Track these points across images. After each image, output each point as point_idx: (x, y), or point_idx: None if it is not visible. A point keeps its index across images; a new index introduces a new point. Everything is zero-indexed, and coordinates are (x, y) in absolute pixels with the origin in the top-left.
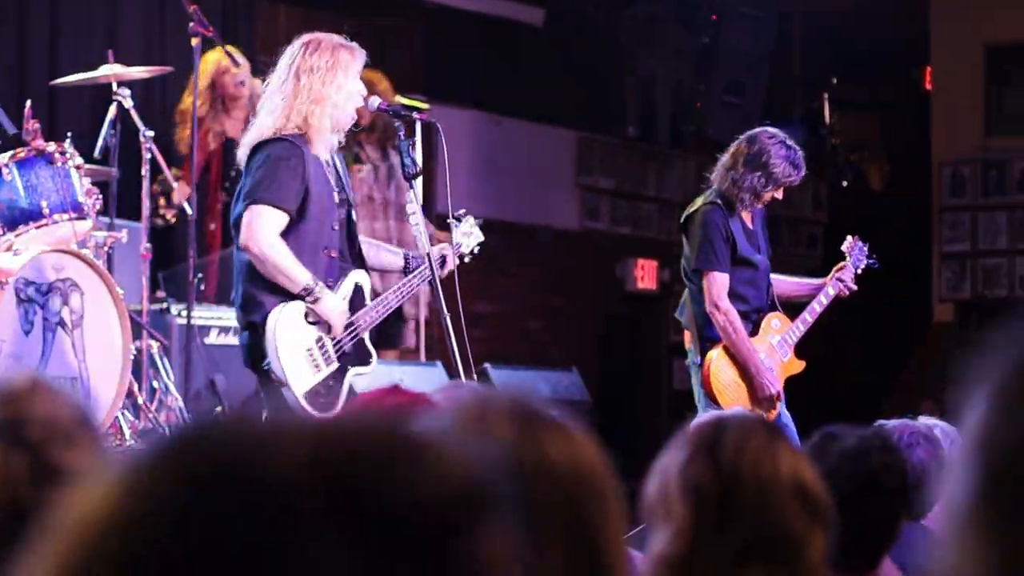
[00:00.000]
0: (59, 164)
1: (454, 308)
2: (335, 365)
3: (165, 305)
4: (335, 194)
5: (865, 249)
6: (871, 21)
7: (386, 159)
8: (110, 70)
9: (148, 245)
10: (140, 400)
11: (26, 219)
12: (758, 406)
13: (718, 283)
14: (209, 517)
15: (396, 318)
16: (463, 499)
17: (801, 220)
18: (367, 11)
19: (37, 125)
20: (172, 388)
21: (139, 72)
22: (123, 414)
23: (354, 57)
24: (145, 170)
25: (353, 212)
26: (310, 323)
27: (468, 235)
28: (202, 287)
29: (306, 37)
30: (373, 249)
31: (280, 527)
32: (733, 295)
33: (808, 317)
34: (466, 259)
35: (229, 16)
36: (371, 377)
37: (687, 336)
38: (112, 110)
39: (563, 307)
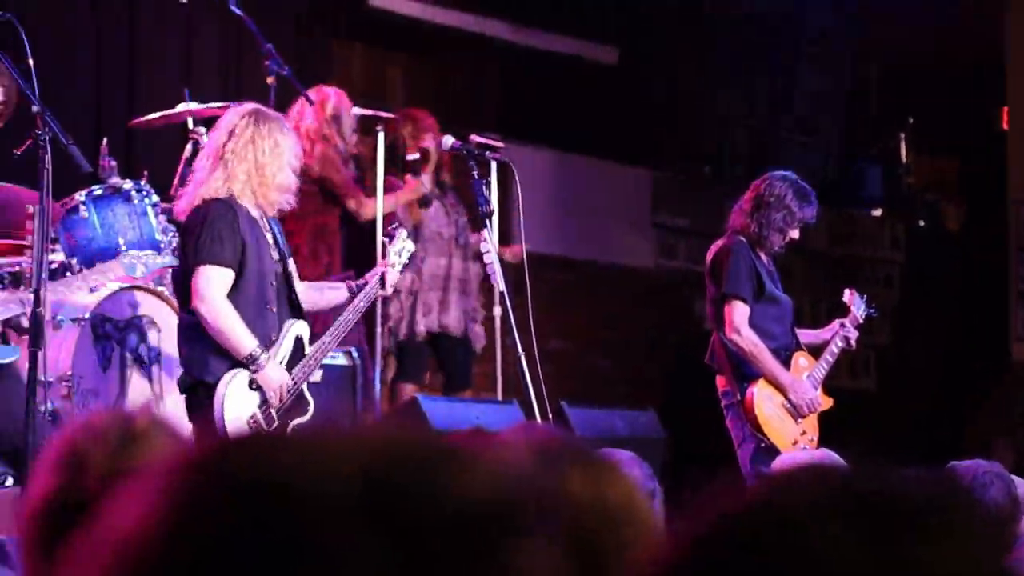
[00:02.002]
0: (136, 201)
1: (528, 346)
2: (276, 424)
3: None
4: (271, 250)
5: (863, 300)
6: (948, 61)
7: (447, 196)
8: (186, 107)
9: None
10: None
11: (103, 256)
12: (799, 416)
13: (739, 311)
14: (254, 525)
15: (466, 358)
16: (498, 512)
17: (878, 260)
18: (441, 50)
19: (113, 163)
20: None
21: (215, 109)
22: None
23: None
24: None
25: (290, 264)
26: (253, 389)
27: (400, 252)
28: None
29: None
30: (315, 293)
31: (325, 534)
32: (763, 332)
33: (829, 358)
34: (398, 278)
35: (304, 55)
36: (451, 413)
37: (721, 380)
38: (188, 148)
39: (637, 345)
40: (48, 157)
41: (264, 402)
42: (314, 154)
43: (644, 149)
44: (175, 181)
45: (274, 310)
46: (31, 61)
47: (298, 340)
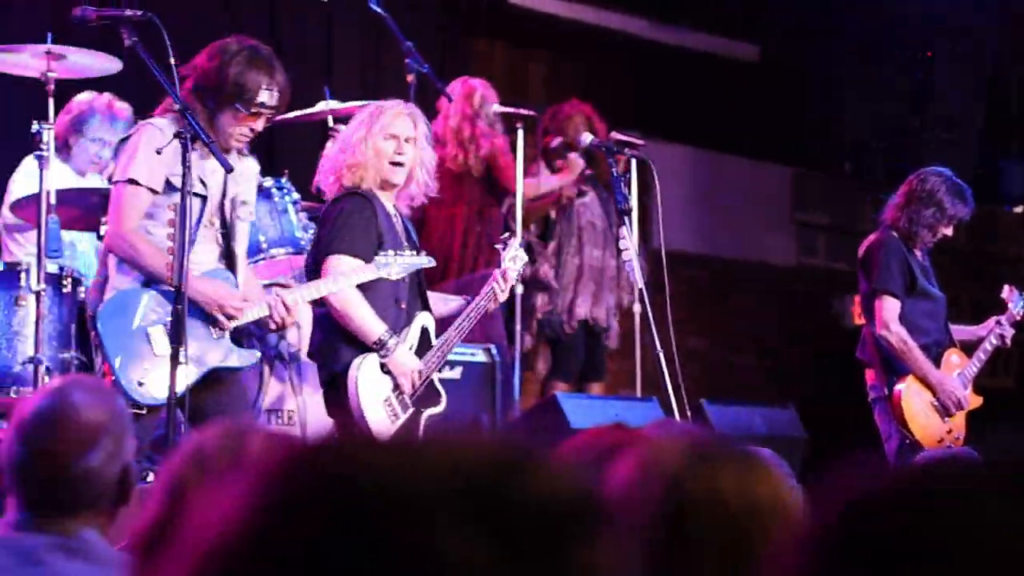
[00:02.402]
0: (277, 199)
1: (666, 343)
2: (410, 411)
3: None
4: (404, 247)
5: (1022, 297)
6: None
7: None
8: (326, 106)
9: None
10: None
11: (248, 254)
12: (946, 415)
13: (889, 307)
14: (345, 527)
15: (600, 350)
16: (575, 510)
17: (1018, 258)
18: (582, 47)
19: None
20: None
21: (355, 108)
22: None
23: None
24: None
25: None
26: (385, 373)
27: (514, 259)
28: None
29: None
30: (439, 302)
31: (419, 529)
32: (914, 327)
33: (982, 355)
34: (514, 282)
35: (445, 53)
36: (590, 411)
37: (870, 374)
38: (328, 145)
39: (777, 343)
40: (190, 155)
41: (397, 387)
42: (470, 144)
43: (784, 146)
44: (316, 179)
45: (404, 306)
46: (172, 60)
47: (424, 331)
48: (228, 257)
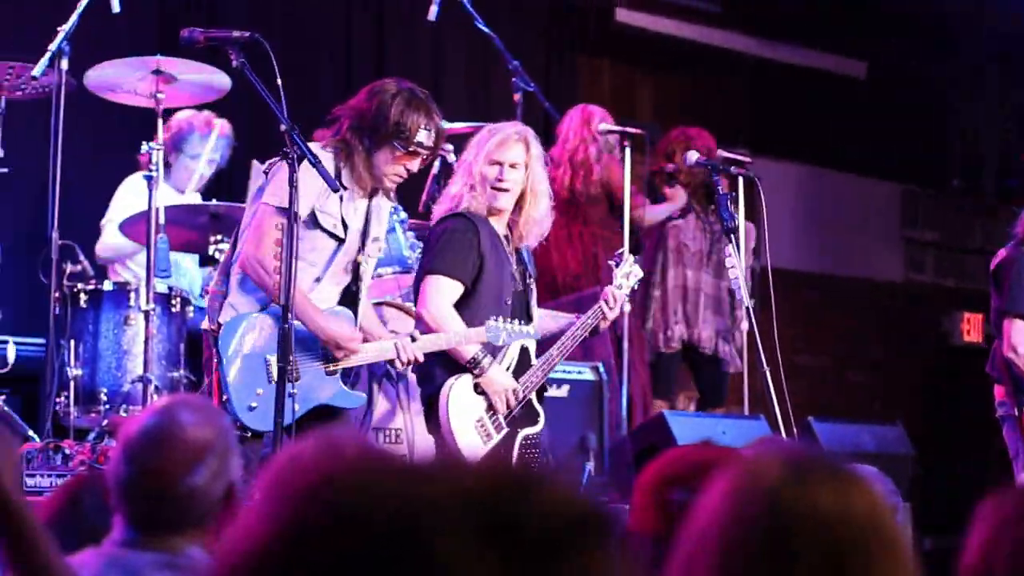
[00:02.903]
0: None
1: (773, 361)
2: (504, 431)
3: None
4: (513, 272)
5: None
6: None
7: (704, 211)
8: None
9: None
10: None
11: None
12: None
13: (1018, 329)
14: (364, 548)
15: (718, 376)
16: (578, 524)
17: None
18: (689, 65)
19: None
20: None
21: (462, 127)
22: None
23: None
24: None
25: (532, 288)
26: (479, 394)
27: (628, 276)
28: None
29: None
30: (548, 320)
31: (431, 542)
32: None
33: None
34: (625, 300)
35: (552, 72)
36: (697, 428)
37: (999, 390)
38: (436, 165)
39: (885, 360)
40: (296, 176)
41: (491, 407)
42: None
43: (893, 163)
44: (423, 198)
45: None
46: (279, 80)
47: (524, 350)
48: (349, 293)
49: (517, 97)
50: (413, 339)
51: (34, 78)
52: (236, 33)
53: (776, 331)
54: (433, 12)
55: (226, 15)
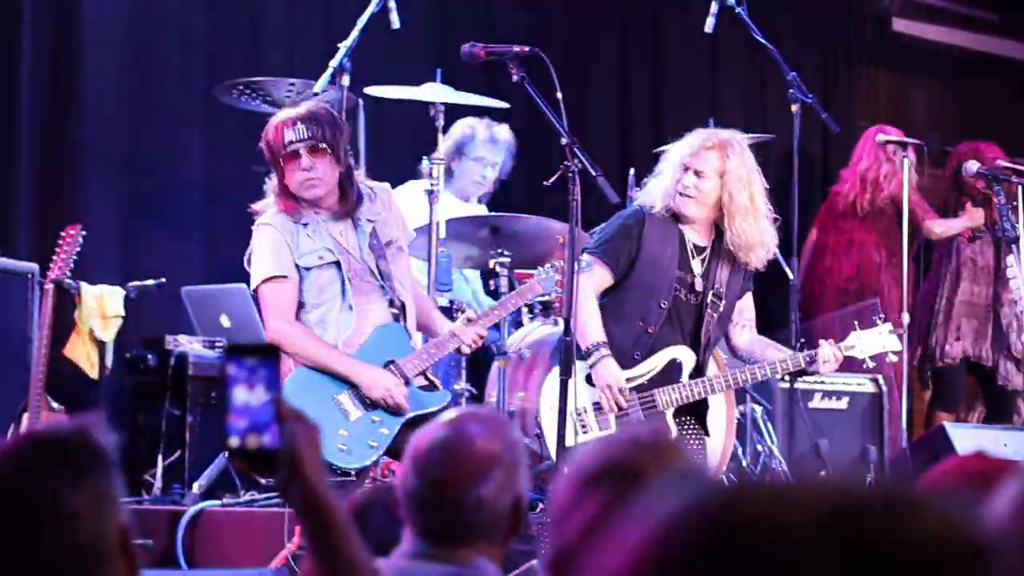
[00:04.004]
0: None
1: None
2: (610, 431)
3: None
4: (683, 277)
5: None
6: None
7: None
8: None
9: None
10: (744, 463)
11: None
12: None
13: None
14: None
15: (998, 392)
16: (956, 555)
17: None
18: (966, 74)
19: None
20: (776, 451)
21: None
22: (726, 478)
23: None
24: None
25: (710, 299)
26: (591, 385)
27: (871, 343)
28: None
29: None
30: (759, 346)
31: (797, 569)
32: None
33: None
34: (837, 361)
35: (829, 82)
36: (978, 440)
37: None
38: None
39: None
40: (577, 188)
41: (598, 403)
42: (873, 187)
43: None
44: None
45: (651, 331)
46: (559, 94)
47: (673, 363)
48: (397, 303)
49: (794, 108)
50: (469, 320)
51: (315, 94)
52: (516, 48)
53: None
54: (710, 24)
55: (505, 29)
